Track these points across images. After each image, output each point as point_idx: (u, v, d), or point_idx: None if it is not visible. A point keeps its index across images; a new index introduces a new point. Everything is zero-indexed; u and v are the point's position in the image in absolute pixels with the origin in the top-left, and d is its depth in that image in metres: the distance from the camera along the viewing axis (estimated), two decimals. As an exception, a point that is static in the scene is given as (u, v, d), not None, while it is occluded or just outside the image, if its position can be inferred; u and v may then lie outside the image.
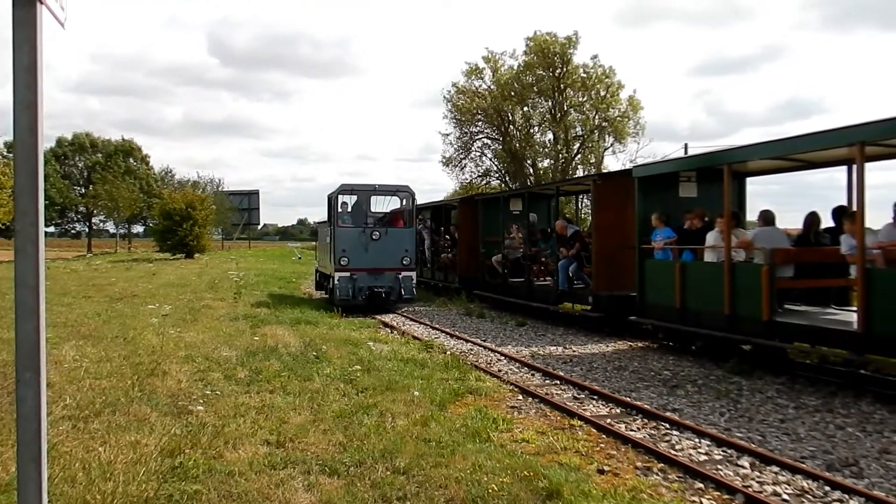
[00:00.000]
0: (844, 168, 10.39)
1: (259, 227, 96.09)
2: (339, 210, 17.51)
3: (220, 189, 66.89)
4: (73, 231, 79.91)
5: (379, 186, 18.14)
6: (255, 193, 70.79)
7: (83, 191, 74.34)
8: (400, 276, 17.12)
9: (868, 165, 8.45)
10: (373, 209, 18.92)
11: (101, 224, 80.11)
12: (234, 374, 8.85)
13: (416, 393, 8.01)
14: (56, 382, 7.83)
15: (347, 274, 16.84)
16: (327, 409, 7.22)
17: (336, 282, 16.84)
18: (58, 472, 4.93)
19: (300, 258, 52.89)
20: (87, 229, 78.05)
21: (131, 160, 77.38)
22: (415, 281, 17.55)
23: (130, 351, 10.00)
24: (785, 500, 5.20)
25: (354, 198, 18.23)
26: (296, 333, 12.42)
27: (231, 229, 70.01)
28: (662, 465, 5.96)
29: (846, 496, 5.24)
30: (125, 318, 13.87)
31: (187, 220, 43.32)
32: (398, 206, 18.57)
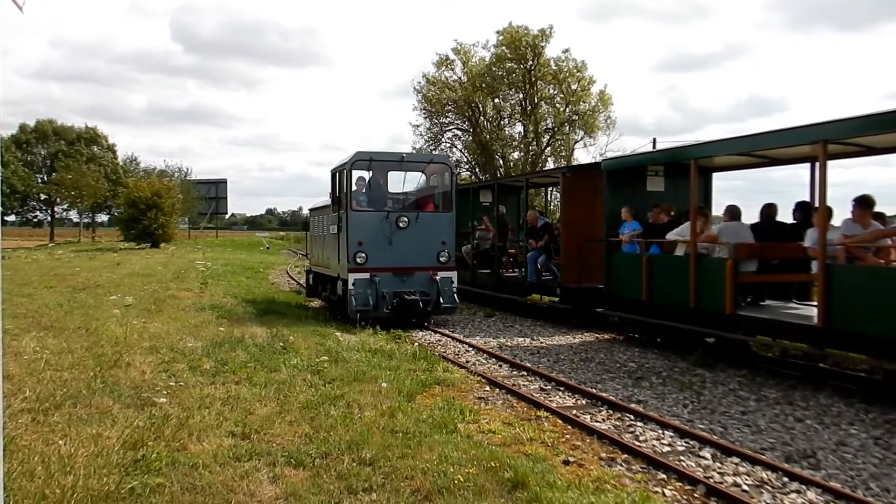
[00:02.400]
0: (807, 165, 10.59)
1: (227, 216, 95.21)
2: (354, 188, 13.50)
3: (187, 178, 66.13)
4: (34, 220, 78.31)
5: (407, 156, 14.14)
6: (223, 182, 70.05)
7: (45, 178, 72.88)
8: (437, 278, 13.31)
9: (830, 163, 8.63)
10: (392, 188, 14.75)
11: (64, 213, 78.76)
12: (200, 365, 8.75)
13: (384, 384, 8.00)
14: (15, 374, 7.66)
15: (366, 276, 12.92)
16: (294, 401, 7.18)
17: (350, 286, 12.87)
18: (16, 467, 4.82)
19: (268, 248, 52.61)
20: (49, 218, 76.51)
21: (95, 148, 75.99)
22: (455, 283, 13.61)
23: (93, 342, 9.82)
24: (745, 491, 5.30)
25: (370, 172, 13.91)
26: (263, 324, 12.32)
27: (198, 218, 69.21)
28: (626, 455, 6.04)
29: (804, 487, 5.36)
30: (88, 308, 13.62)
31: (153, 209, 42.76)
32: (430, 182, 14.53)
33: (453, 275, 13.53)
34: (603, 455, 6.06)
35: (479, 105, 44.00)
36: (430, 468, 5.28)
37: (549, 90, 43.28)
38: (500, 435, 6.47)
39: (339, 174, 13.69)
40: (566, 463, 5.75)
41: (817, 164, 8.99)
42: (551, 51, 42.65)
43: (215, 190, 67.58)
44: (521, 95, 43.68)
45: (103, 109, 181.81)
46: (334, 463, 5.41)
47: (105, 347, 9.39)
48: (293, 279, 25.57)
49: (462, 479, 5.04)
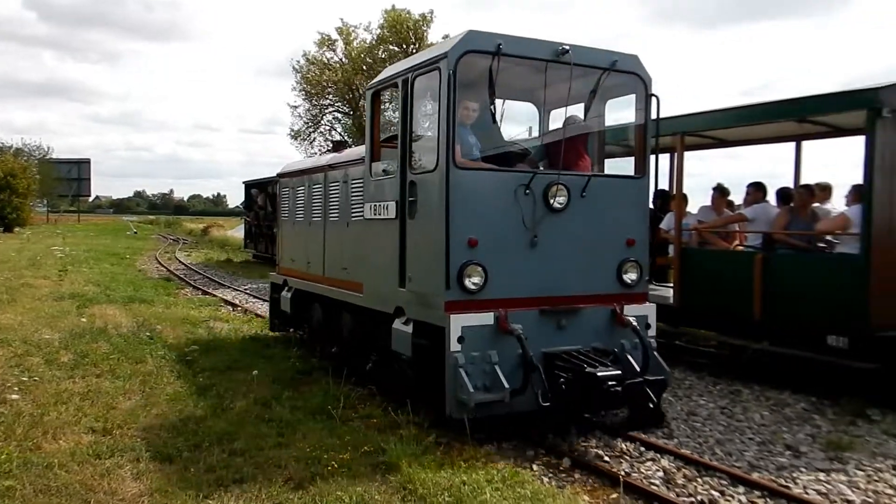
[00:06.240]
0: (667, 155, 11.23)
1: (90, 199, 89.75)
2: (455, 115, 5.69)
3: (46, 157, 61.73)
4: None
5: (573, 49, 5.97)
6: (86, 162, 65.62)
7: None
8: (631, 317, 6.25)
9: (687, 154, 9.23)
10: (517, 123, 7.89)
11: None
12: (57, 358, 8.25)
13: (257, 372, 7.83)
14: None
15: (487, 318, 5.70)
16: (161, 393, 6.93)
17: (455, 347, 5.55)
18: None
19: (136, 232, 50.24)
20: None
21: (-63, 122, 69.38)
22: (654, 328, 6.58)
23: (-67, 336, 9.05)
24: (605, 462, 5.63)
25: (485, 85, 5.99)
26: (128, 313, 11.76)
27: (58, 201, 64.83)
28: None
29: (658, 455, 5.76)
30: (-72, 298, 12.51)
31: (6, 191, 39.90)
32: (601, 113, 7.04)
33: (651, 310, 6.58)
34: (475, 435, 6.22)
35: (360, 87, 43.61)
36: (303, 456, 5.26)
37: (429, 75, 43.47)
38: (378, 419, 6.49)
39: (411, 83, 6.26)
40: (439, 444, 5.87)
41: (675, 155, 9.59)
42: (434, 36, 42.84)
43: (77, 170, 63.26)
44: (401, 79, 43.65)
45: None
46: (204, 455, 5.28)
47: (-52, 342, 8.68)
48: (163, 265, 24.48)
49: (336, 466, 5.06)
